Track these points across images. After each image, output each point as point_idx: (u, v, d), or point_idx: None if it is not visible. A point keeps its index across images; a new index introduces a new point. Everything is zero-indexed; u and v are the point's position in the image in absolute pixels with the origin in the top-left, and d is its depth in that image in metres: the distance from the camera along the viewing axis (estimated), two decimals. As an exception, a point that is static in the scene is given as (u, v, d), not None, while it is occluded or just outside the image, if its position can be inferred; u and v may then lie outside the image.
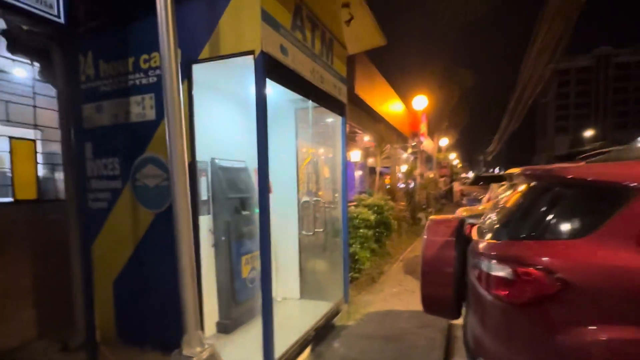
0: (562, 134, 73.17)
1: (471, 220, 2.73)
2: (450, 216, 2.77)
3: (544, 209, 1.79)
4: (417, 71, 18.99)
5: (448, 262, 2.27)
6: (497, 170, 56.90)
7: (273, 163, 4.24)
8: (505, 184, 7.58)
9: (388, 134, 7.66)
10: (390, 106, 10.12)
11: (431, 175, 17.36)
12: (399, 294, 4.67)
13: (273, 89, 3.29)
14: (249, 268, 3.43)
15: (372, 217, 5.26)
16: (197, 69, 2.60)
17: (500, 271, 1.70)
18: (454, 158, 31.13)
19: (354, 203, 6.43)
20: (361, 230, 4.91)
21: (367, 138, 8.93)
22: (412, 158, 16.05)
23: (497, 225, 2.06)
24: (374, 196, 7.29)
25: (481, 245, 1.94)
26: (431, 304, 2.38)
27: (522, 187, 2.16)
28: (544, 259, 1.62)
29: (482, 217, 2.65)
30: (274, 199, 4.20)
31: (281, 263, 4.30)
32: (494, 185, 9.07)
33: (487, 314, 1.82)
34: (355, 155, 8.34)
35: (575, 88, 75.90)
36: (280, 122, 4.13)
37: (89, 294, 3.03)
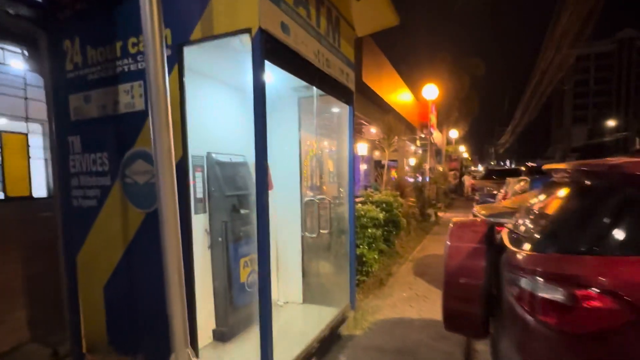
0: (580, 124, 72.46)
1: (500, 222, 2.60)
2: (476, 219, 2.64)
3: (609, 216, 1.57)
4: (426, 59, 18.74)
5: (476, 273, 2.10)
6: (508, 163, 56.56)
7: (273, 157, 4.19)
8: (524, 178, 7.47)
9: (397, 125, 7.52)
10: (399, 96, 9.95)
11: (440, 168, 17.22)
12: (409, 300, 4.58)
13: (273, 75, 3.18)
14: (248, 271, 3.34)
15: (381, 216, 5.16)
16: (190, 53, 2.47)
17: (551, 293, 1.52)
18: (463, 151, 30.94)
19: (361, 199, 6.33)
20: (369, 230, 4.80)
21: (373, 130, 8.79)
22: (420, 151, 15.90)
23: (539, 233, 1.88)
24: (382, 192, 7.17)
25: (522, 258, 1.76)
26: (454, 320, 2.21)
27: (571, 187, 1.95)
28: (612, 280, 1.40)
29: (513, 220, 2.50)
30: (274, 196, 4.13)
31: (282, 264, 4.22)
32: (509, 180, 8.96)
33: (528, 341, 1.63)
34: (361, 148, 8.21)
35: (595, 75, 74.81)
36: (282, 113, 4.01)
37: (74, 300, 2.95)
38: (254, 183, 3.53)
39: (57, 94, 3.01)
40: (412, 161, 12.28)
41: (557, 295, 1.51)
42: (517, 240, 2.07)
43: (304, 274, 4.18)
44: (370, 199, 6.17)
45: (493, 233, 2.32)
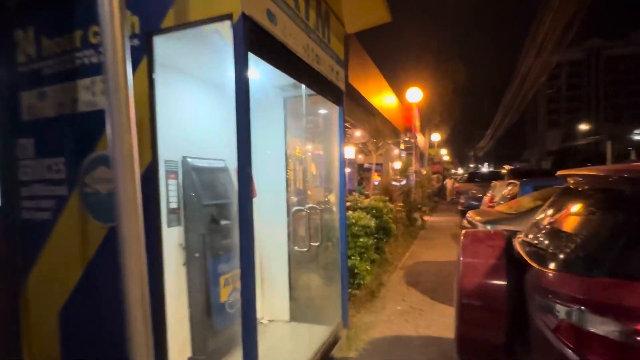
0: (554, 128, 74.77)
1: (513, 230, 2.34)
2: (491, 229, 2.36)
3: None
4: (409, 63, 18.77)
5: (498, 294, 1.83)
6: (486, 166, 57.66)
7: (257, 162, 3.81)
8: (513, 182, 7.35)
9: (383, 128, 7.30)
10: (384, 99, 9.77)
11: (424, 172, 17.18)
12: (404, 313, 4.30)
13: (258, 71, 2.86)
14: (229, 290, 2.98)
15: (373, 224, 4.87)
16: (162, 44, 2.13)
17: (604, 327, 1.27)
18: (445, 154, 31.21)
19: (349, 204, 6.04)
20: (361, 240, 4.50)
21: (358, 133, 8.56)
22: (404, 154, 15.81)
23: (572, 251, 1.62)
24: (371, 196, 6.91)
25: (559, 281, 1.51)
26: (471, 347, 1.93)
27: (609, 196, 1.71)
28: None
29: (529, 231, 2.23)
30: (258, 204, 3.77)
31: (267, 279, 3.87)
32: (496, 183, 8.86)
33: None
34: (349, 152, 7.95)
35: (567, 81, 77.60)
36: (267, 114, 3.68)
37: (20, 329, 2.53)
38: (235, 190, 3.22)
39: (6, 90, 2.60)
40: (397, 165, 12.12)
41: (611, 330, 1.24)
42: (541, 256, 1.81)
43: (292, 289, 3.84)
44: (360, 204, 5.89)
45: (512, 247, 2.05)
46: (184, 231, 2.78)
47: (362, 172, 15.00)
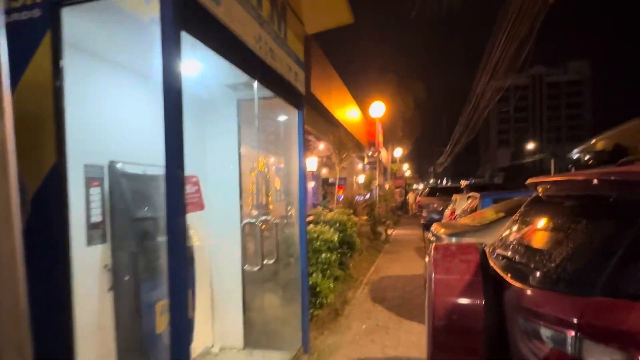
0: (504, 147, 79.23)
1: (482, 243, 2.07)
2: (463, 242, 2.07)
3: None
4: (373, 80, 19.02)
5: (474, 315, 1.55)
6: (444, 181, 59.62)
7: (207, 171, 3.41)
8: (473, 195, 7.31)
9: (347, 141, 7.07)
10: (348, 112, 9.61)
11: (387, 186, 17.21)
12: (370, 332, 3.93)
13: (203, 65, 2.47)
14: (167, 319, 2.49)
15: (336, 238, 4.52)
16: (73, 18, 1.70)
17: (603, 356, 1.04)
18: (407, 169, 31.79)
19: (311, 218, 5.67)
20: (323, 255, 4.12)
21: (322, 146, 8.28)
22: (367, 168, 15.77)
23: (558, 266, 1.36)
24: (335, 210, 6.58)
25: (542, 300, 1.26)
26: None
27: (593, 203, 1.50)
28: None
29: (504, 245, 1.96)
30: (208, 218, 3.33)
31: (218, 302, 3.39)
32: (457, 197, 8.85)
33: None
34: (312, 163, 7.62)
35: (514, 104, 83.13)
36: (217, 117, 3.29)
37: None
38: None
39: None
40: (361, 178, 11.98)
41: (616, 360, 0.96)
42: (522, 273, 1.54)
43: (246, 311, 3.38)
44: (323, 218, 5.53)
45: (487, 261, 1.76)
46: (111, 250, 2.28)
47: (326, 187, 14.75)
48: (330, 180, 11.39)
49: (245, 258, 3.10)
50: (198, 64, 2.43)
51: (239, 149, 3.31)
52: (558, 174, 1.93)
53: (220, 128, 3.31)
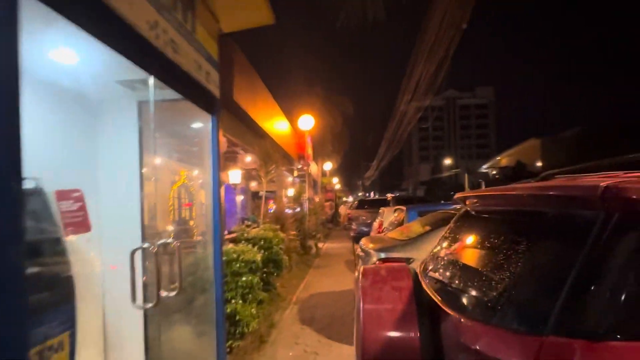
0: (425, 162, 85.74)
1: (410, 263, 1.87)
2: (395, 265, 1.86)
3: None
4: (301, 92, 19.08)
5: (409, 350, 1.35)
6: (372, 194, 62.23)
7: (99, 185, 2.86)
8: (400, 208, 7.45)
9: (274, 153, 6.77)
10: (276, 124, 9.33)
11: (317, 199, 17.19)
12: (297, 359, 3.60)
13: (88, 55, 2.00)
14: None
15: (259, 257, 4.12)
16: None
17: None
18: (336, 182, 32.41)
19: (234, 235, 5.21)
20: (244, 278, 3.70)
21: (249, 158, 7.86)
22: (298, 181, 15.60)
23: (498, 296, 1.17)
24: (261, 225, 6.18)
25: (485, 339, 1.06)
26: None
27: (534, 221, 1.34)
28: None
29: (436, 266, 1.78)
30: (100, 241, 2.76)
31: (113, 341, 2.79)
32: (384, 210, 9.00)
33: None
34: (235, 176, 7.13)
35: (432, 123, 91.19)
36: (113, 122, 2.76)
37: None
38: (55, 221, 2.26)
39: None
40: (291, 192, 11.71)
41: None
42: (456, 299, 1.35)
43: (149, 351, 2.83)
44: (246, 235, 5.10)
45: (421, 286, 1.55)
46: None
47: (257, 200, 14.18)
48: (260, 193, 10.96)
49: (135, 291, 2.54)
50: (78, 54, 1.96)
51: (141, 158, 2.80)
52: (487, 188, 1.83)
53: (118, 134, 2.78)
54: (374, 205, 15.31)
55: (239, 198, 10.82)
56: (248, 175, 9.23)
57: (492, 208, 1.68)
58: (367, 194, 60.88)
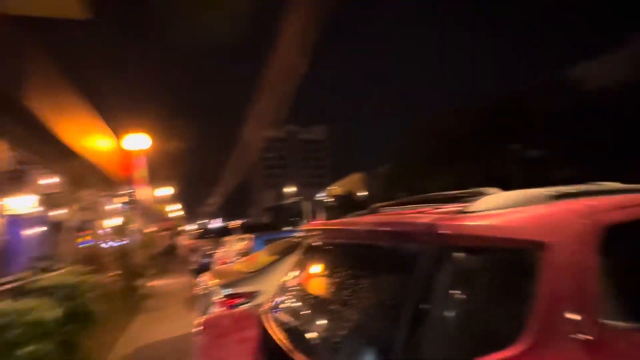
0: (270, 189, 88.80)
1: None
2: (240, 311, 1.54)
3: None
4: (136, 111, 16.84)
5: None
6: (219, 221, 60.03)
7: None
8: (247, 237, 7.02)
9: (89, 175, 5.42)
10: (96, 141, 7.70)
11: (152, 229, 15.11)
12: None
13: None
14: None
15: (53, 314, 2.99)
16: None
17: None
18: (178, 209, 29.70)
19: (14, 284, 3.78)
20: (25, 349, 2.55)
21: (52, 180, 6.13)
22: (126, 209, 13.37)
23: (348, 336, 1.06)
24: (64, 269, 4.73)
25: None
26: None
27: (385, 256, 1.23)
28: None
29: (281, 304, 1.47)
30: None
31: None
32: (228, 239, 8.40)
33: None
34: (24, 203, 5.35)
35: (277, 153, 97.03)
36: None
37: None
38: None
39: None
40: (116, 222, 9.79)
41: None
42: (303, 342, 1.16)
43: None
44: (38, 284, 3.75)
45: (269, 336, 1.25)
46: None
47: (65, 233, 11.31)
48: (71, 224, 8.70)
49: None
50: None
51: None
52: (331, 221, 1.76)
53: None
54: (219, 234, 14.43)
55: (33, 231, 8.25)
56: (50, 202, 7.21)
57: (333, 240, 1.59)
58: (211, 221, 58.13)
